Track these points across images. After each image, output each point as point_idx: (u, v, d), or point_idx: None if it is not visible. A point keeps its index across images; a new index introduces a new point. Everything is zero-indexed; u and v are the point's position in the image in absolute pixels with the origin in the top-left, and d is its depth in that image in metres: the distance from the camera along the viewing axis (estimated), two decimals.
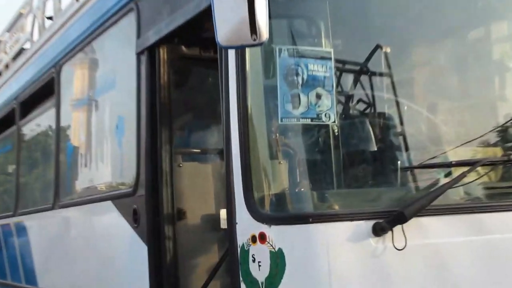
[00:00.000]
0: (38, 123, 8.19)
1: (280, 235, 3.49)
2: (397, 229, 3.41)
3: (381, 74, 4.03)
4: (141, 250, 4.78)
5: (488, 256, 3.65)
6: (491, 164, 3.88)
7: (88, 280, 5.93)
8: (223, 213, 4.00)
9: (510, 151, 4.06)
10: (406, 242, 3.41)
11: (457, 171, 3.72)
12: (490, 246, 3.66)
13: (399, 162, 3.90)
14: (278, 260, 3.47)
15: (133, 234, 4.94)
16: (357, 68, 4.00)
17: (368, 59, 3.98)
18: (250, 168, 3.64)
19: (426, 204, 3.47)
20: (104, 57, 6.11)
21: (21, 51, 9.30)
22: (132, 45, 5.08)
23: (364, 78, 3.99)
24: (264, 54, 3.74)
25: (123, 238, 5.18)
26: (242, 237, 3.67)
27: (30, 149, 8.88)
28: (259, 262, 3.57)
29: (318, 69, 3.68)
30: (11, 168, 9.31)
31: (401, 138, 4.03)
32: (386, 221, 3.40)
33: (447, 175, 3.82)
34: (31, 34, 8.89)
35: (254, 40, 3.14)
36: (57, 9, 7.78)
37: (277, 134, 3.69)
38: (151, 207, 4.73)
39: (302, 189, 3.68)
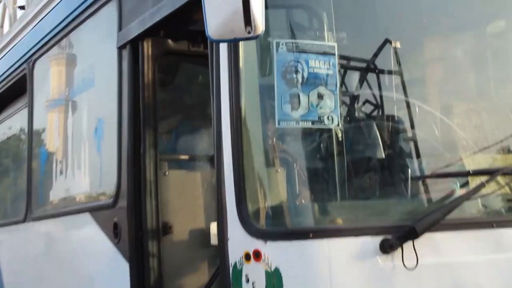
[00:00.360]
0: (8, 125, 8.18)
1: (277, 253, 3.47)
2: (408, 246, 3.39)
3: (390, 72, 4.02)
4: (122, 268, 4.76)
5: (510, 277, 3.63)
6: None
7: None
8: (213, 227, 3.99)
9: None
10: (417, 261, 3.39)
11: (474, 181, 3.71)
12: None
13: (409, 171, 3.89)
14: (274, 280, 3.44)
15: (114, 250, 4.92)
16: (364, 65, 3.99)
17: (376, 55, 3.97)
18: (243, 177, 3.62)
19: (440, 218, 3.46)
20: (82, 52, 6.09)
21: None
22: (113, 38, 5.07)
23: (371, 77, 3.99)
24: (259, 48, 3.73)
25: (102, 254, 5.16)
26: (234, 255, 3.65)
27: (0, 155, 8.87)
28: (253, 282, 3.55)
29: (320, 65, 3.67)
30: None
31: (412, 144, 4.02)
32: (395, 237, 3.39)
33: (464, 185, 3.82)
34: (1, 25, 8.89)
35: (249, 33, 3.13)
36: None
37: (274, 139, 3.67)
38: (134, 221, 4.71)
39: (301, 201, 3.67)
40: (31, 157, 6.88)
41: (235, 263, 3.63)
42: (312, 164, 3.76)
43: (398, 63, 4.00)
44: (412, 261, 3.39)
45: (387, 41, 3.95)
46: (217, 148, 3.77)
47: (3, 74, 7.76)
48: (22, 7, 8.45)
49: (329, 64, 3.68)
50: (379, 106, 3.99)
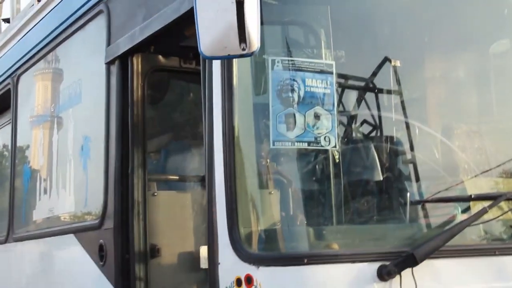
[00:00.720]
0: None
1: (269, 279, 3.43)
2: (406, 273, 3.37)
3: (389, 92, 4.01)
4: None
5: None
6: None
7: None
8: (203, 250, 3.95)
9: None
10: None
11: (476, 206, 3.69)
12: None
13: (408, 195, 3.88)
14: None
15: (99, 273, 4.88)
16: (362, 84, 3.98)
17: (375, 73, 3.96)
18: (235, 199, 3.59)
19: (440, 244, 3.43)
20: (68, 67, 6.07)
21: None
22: (101, 53, 5.05)
23: (370, 96, 3.98)
24: (254, 66, 3.71)
25: (87, 278, 5.12)
26: (225, 280, 3.61)
27: None
28: None
29: (317, 84, 3.66)
30: None
31: (411, 166, 4.00)
32: (394, 264, 3.36)
33: (465, 210, 3.80)
34: None
35: (243, 49, 3.11)
36: (14, 10, 7.75)
37: (268, 160, 3.65)
38: (120, 243, 4.68)
39: (296, 225, 3.64)
40: (14, 174, 6.85)
41: None
42: (308, 187, 3.74)
43: (398, 82, 3.99)
44: None
45: (386, 60, 3.94)
46: (209, 168, 3.75)
47: None
48: (6, 20, 8.43)
49: (326, 83, 3.66)
50: (377, 126, 3.98)
